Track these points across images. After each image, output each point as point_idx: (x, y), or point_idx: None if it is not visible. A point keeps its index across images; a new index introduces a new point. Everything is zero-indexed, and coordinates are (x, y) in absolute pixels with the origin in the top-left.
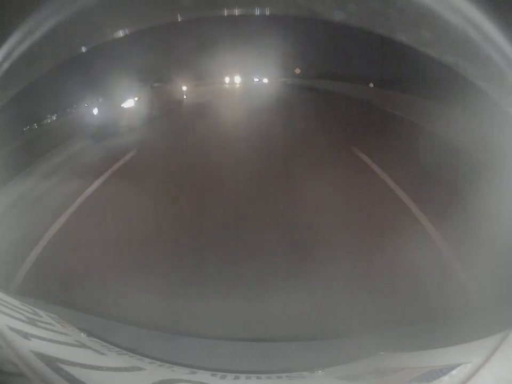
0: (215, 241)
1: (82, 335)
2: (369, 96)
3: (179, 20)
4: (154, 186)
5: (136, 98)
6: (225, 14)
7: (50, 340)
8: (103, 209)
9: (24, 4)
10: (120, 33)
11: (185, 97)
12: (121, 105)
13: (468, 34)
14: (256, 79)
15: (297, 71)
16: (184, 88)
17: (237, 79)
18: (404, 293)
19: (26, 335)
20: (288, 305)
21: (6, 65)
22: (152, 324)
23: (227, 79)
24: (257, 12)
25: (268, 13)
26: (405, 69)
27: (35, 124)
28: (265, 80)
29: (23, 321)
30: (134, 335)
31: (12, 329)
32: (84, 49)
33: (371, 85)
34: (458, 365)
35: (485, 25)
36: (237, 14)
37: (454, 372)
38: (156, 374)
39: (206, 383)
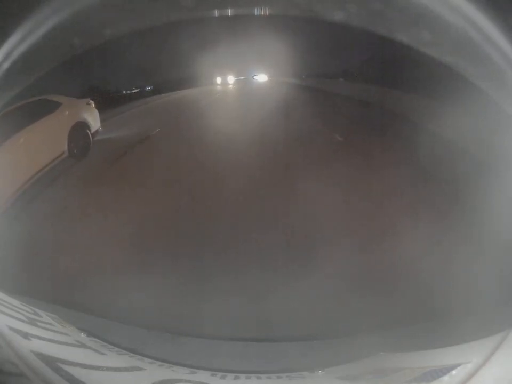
0: (215, 241)
1: (82, 335)
2: (369, 96)
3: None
4: (154, 187)
5: None
6: (225, 14)
7: (50, 340)
8: (103, 209)
9: (24, 3)
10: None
11: (99, 128)
12: None
13: (468, 34)
14: (254, 79)
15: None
16: (91, 115)
17: (231, 79)
18: (404, 293)
19: (26, 335)
20: (288, 305)
21: (6, 65)
22: (152, 324)
23: (219, 79)
24: (256, 12)
25: (267, 13)
26: (405, 69)
27: None
28: (263, 79)
29: (23, 321)
30: (134, 335)
31: (11, 329)
32: None
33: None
34: (458, 365)
35: (485, 25)
36: (236, 14)
37: (454, 372)
38: (156, 374)
39: (206, 383)
